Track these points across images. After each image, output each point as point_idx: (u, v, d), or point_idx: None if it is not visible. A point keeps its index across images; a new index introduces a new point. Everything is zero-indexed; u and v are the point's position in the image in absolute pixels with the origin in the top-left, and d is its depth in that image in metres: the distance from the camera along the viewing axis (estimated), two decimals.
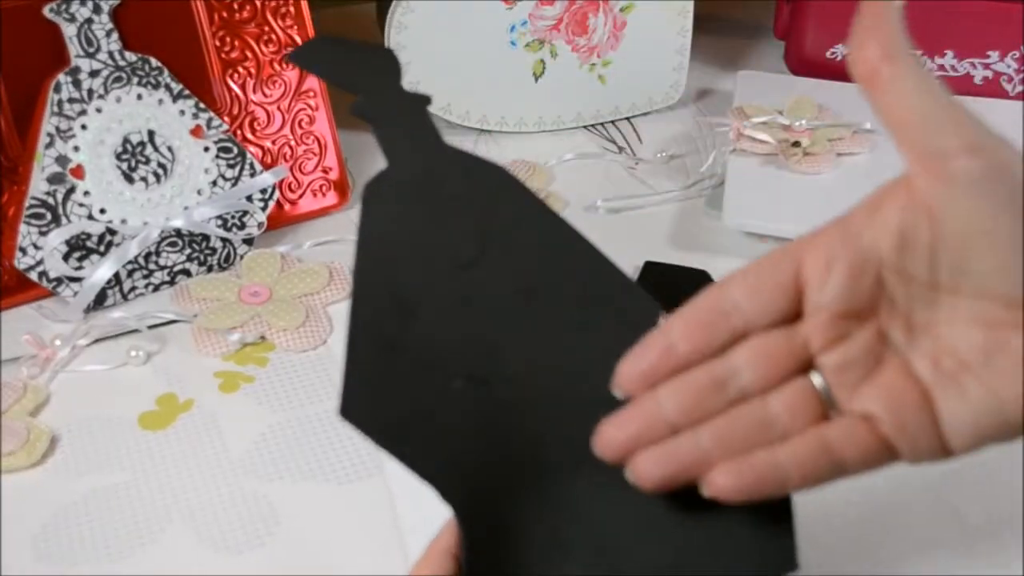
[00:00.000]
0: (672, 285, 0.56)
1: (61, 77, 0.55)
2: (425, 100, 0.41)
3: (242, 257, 0.61)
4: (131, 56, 0.57)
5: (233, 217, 0.61)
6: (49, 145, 0.55)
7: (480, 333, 0.37)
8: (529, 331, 0.38)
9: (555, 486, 0.36)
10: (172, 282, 0.60)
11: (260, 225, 0.62)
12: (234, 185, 0.61)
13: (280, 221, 0.65)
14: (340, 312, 0.58)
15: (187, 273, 0.60)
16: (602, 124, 0.78)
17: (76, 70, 0.56)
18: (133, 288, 0.59)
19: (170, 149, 0.59)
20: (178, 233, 0.59)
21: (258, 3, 0.62)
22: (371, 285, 0.37)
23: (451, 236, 0.39)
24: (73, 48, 0.56)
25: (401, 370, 0.36)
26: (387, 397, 0.35)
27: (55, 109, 0.55)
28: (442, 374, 0.36)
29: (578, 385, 0.37)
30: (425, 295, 0.37)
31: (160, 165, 0.59)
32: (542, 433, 0.36)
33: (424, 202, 0.39)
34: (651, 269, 0.58)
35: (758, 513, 0.35)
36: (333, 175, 0.67)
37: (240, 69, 0.63)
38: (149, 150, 0.58)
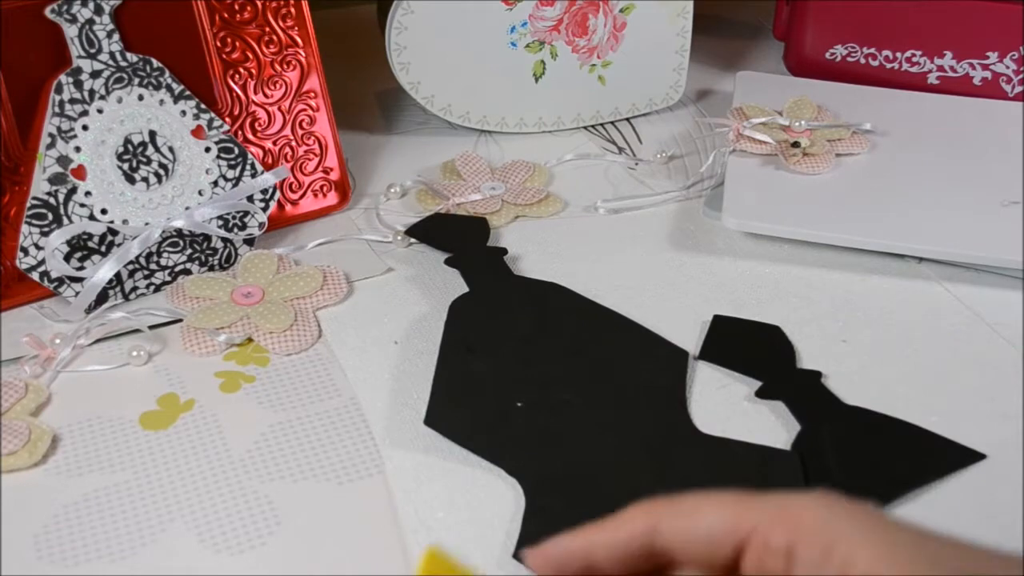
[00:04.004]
0: (742, 338, 0.56)
1: (62, 78, 0.55)
2: (501, 251, 0.61)
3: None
4: (132, 57, 0.57)
5: (234, 217, 0.61)
6: (50, 145, 0.56)
7: (535, 376, 0.52)
8: (578, 371, 0.52)
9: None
10: (173, 282, 0.60)
11: (261, 225, 0.62)
12: (235, 185, 0.61)
13: (281, 221, 0.65)
14: (330, 317, 0.58)
15: (188, 273, 0.60)
16: (602, 125, 0.78)
17: (77, 71, 0.56)
18: (134, 288, 0.59)
19: (171, 150, 0.59)
20: (179, 233, 0.59)
21: (259, 4, 0.63)
22: (451, 342, 0.54)
23: (513, 323, 0.56)
24: (74, 49, 0.56)
25: (471, 392, 0.51)
26: (460, 408, 0.50)
27: (56, 109, 0.55)
28: (506, 397, 0.51)
29: (620, 400, 0.51)
30: (483, 341, 0.54)
31: (161, 165, 0.59)
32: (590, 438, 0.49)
33: (493, 306, 0.57)
34: (721, 323, 0.56)
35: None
36: (334, 175, 0.67)
37: (241, 70, 0.63)
38: (150, 150, 0.58)
